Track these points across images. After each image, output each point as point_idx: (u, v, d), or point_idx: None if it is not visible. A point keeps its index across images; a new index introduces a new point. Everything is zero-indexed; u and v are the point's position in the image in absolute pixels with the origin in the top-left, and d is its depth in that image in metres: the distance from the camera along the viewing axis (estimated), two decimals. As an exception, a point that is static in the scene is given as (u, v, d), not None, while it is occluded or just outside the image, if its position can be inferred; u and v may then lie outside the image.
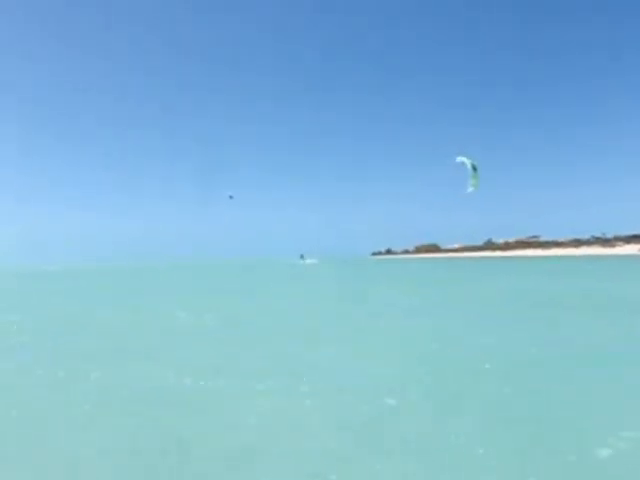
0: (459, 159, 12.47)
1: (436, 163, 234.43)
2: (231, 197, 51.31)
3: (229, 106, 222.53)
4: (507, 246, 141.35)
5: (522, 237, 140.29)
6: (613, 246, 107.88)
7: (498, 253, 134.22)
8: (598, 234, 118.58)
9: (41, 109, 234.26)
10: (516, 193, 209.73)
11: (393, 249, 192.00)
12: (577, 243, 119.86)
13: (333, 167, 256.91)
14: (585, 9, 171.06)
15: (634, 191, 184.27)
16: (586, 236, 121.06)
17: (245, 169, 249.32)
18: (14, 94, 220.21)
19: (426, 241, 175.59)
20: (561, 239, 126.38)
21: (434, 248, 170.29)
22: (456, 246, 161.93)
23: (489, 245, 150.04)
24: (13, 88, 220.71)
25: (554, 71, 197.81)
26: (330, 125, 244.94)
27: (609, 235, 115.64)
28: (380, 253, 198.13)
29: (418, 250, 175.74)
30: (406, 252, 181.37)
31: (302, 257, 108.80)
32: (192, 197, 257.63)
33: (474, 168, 11.91)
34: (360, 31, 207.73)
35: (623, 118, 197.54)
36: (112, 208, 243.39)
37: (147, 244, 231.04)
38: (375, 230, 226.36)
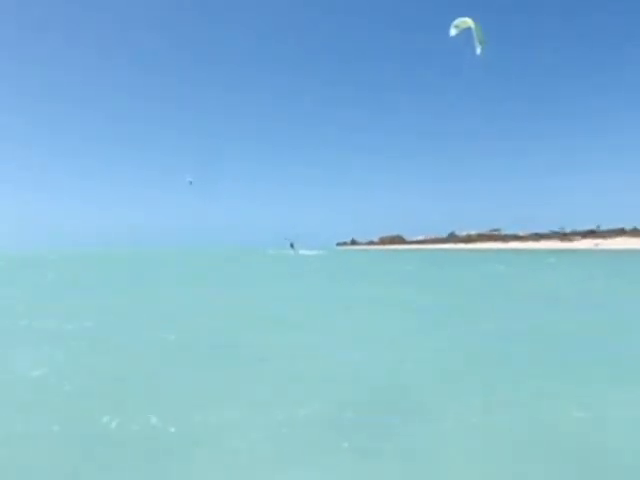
0: (453, 30, 12.41)
1: (403, 157, 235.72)
2: (191, 183, 51.57)
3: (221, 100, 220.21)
4: (469, 239, 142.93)
5: (484, 230, 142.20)
6: (571, 240, 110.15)
7: (461, 245, 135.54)
8: (557, 229, 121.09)
9: (45, 105, 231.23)
10: (480, 187, 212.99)
11: (358, 240, 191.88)
12: (537, 237, 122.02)
13: (305, 160, 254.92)
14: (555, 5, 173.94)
15: (591, 188, 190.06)
16: (545, 230, 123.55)
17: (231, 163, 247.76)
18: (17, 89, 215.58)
19: (391, 232, 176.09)
20: (521, 233, 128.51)
21: (398, 239, 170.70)
22: (420, 238, 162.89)
23: (452, 238, 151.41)
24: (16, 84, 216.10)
25: (519, 65, 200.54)
26: (308, 118, 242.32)
27: (567, 230, 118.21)
28: (345, 244, 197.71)
29: (382, 241, 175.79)
30: (371, 243, 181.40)
31: (292, 246, 78.79)
32: (185, 189, 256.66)
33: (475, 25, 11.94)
34: (350, 29, 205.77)
35: (584, 117, 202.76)
36: (113, 199, 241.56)
37: (140, 233, 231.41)
38: (341, 220, 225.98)
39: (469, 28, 11.97)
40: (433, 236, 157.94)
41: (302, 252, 76.70)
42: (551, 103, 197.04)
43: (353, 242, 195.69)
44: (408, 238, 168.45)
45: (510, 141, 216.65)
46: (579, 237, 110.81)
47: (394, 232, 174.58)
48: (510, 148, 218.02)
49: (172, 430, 4.46)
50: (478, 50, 12.05)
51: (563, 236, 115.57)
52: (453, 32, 12.41)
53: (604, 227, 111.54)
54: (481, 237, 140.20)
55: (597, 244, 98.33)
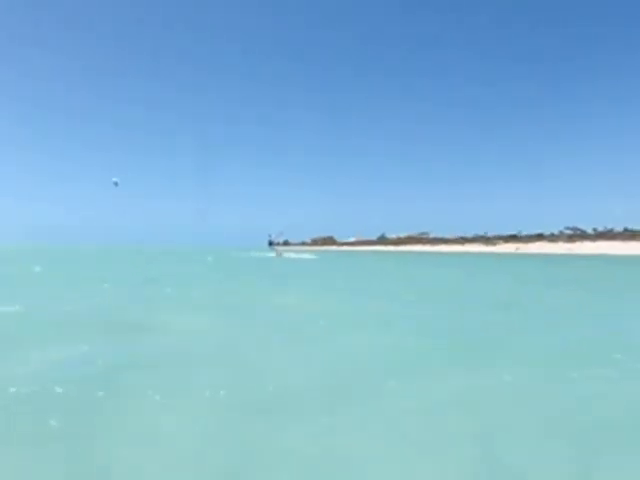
0: None
1: (337, 159, 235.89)
2: (116, 184, 48.95)
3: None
4: (399, 241, 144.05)
5: (413, 233, 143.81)
6: (494, 244, 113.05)
7: (390, 247, 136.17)
8: (481, 233, 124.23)
9: (45, 113, 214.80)
10: (409, 189, 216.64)
11: (290, 240, 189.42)
12: (462, 241, 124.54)
13: (242, 160, 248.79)
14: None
15: (514, 196, 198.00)
16: (470, 235, 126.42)
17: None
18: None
19: (322, 234, 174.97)
20: (448, 236, 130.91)
21: (330, 241, 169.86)
22: (351, 239, 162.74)
23: (382, 240, 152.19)
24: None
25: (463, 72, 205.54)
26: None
27: (490, 234, 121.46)
28: (277, 244, 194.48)
29: (315, 242, 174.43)
30: (303, 244, 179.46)
31: (271, 244, 62.58)
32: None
33: None
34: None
35: (507, 128, 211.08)
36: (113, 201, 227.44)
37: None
38: (273, 220, 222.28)
39: None
40: (364, 238, 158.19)
41: (287, 255, 59.08)
42: (478, 111, 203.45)
43: (286, 243, 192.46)
44: (339, 240, 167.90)
45: (443, 146, 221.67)
46: (501, 241, 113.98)
47: (325, 233, 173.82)
48: (442, 154, 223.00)
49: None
50: None
51: (487, 240, 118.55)
52: None
53: (524, 233, 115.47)
54: (410, 240, 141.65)
55: (518, 248, 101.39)
